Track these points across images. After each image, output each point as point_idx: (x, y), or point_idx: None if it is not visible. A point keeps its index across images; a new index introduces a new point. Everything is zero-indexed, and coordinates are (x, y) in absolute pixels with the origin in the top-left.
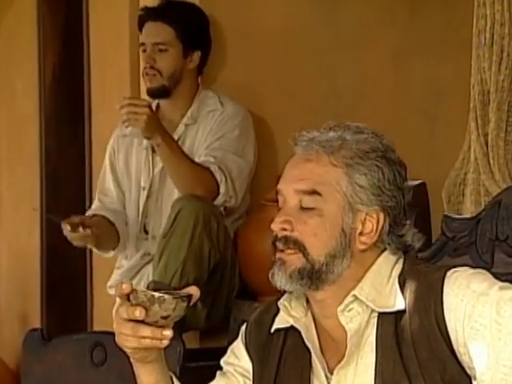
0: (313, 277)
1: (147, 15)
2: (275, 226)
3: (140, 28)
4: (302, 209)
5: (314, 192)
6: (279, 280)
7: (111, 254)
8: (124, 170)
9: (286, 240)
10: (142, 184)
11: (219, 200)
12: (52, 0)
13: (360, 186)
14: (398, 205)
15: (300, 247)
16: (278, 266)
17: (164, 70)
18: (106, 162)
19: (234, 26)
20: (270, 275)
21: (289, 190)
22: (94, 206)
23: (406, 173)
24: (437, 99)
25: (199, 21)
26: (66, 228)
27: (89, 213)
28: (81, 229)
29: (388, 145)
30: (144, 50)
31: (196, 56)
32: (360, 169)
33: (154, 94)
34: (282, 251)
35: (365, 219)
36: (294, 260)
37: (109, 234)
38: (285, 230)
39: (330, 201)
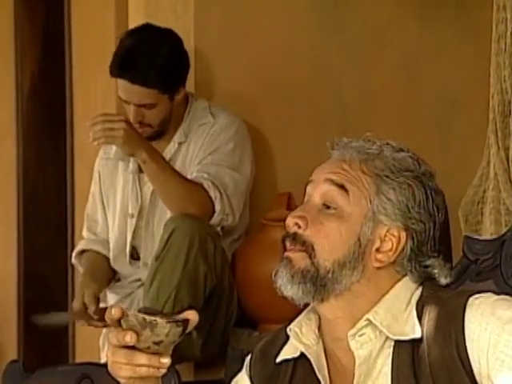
0: (317, 283)
1: (121, 74)
2: (289, 221)
3: (112, 75)
4: (323, 208)
5: (342, 186)
6: (281, 279)
7: None
8: (110, 194)
9: (295, 238)
10: (130, 211)
11: (215, 219)
12: (30, 3)
13: (387, 199)
14: (425, 231)
15: (308, 248)
16: (284, 264)
17: (154, 122)
18: (94, 188)
19: (231, 32)
20: (273, 273)
21: (320, 178)
22: (85, 235)
23: (444, 202)
24: (451, 110)
25: (178, 61)
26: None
27: (80, 247)
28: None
29: (427, 170)
30: (126, 102)
31: (182, 90)
32: (389, 182)
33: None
34: (290, 250)
35: (385, 236)
36: (299, 259)
37: (106, 273)
38: (298, 226)
39: (354, 204)
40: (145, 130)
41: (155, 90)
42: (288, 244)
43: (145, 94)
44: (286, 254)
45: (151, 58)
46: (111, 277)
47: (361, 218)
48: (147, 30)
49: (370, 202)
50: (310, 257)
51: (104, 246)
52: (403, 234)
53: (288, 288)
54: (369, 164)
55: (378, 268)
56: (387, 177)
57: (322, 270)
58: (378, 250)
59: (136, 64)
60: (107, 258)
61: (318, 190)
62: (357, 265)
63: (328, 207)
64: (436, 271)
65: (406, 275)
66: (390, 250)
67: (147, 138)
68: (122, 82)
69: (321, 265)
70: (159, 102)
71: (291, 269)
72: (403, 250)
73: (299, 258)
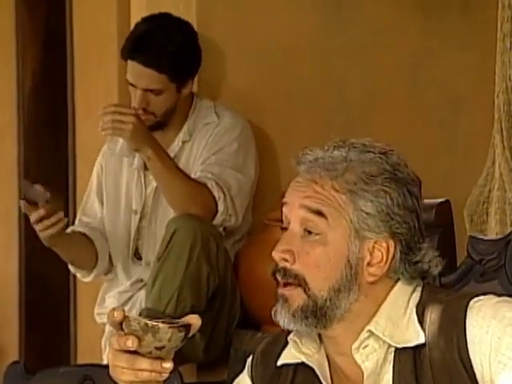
0: (317, 314)
1: (133, 56)
2: (276, 255)
3: (124, 57)
4: (306, 234)
5: (319, 213)
6: (282, 319)
7: (91, 276)
8: (112, 190)
9: (285, 273)
10: (134, 207)
11: (218, 219)
12: (31, 1)
13: (366, 213)
14: (410, 230)
15: (300, 281)
16: (281, 303)
17: (158, 111)
18: (93, 181)
19: (234, 31)
20: (272, 313)
21: (295, 202)
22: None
23: (420, 189)
24: (456, 110)
25: (190, 51)
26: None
27: (67, 231)
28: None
29: (396, 163)
30: (133, 86)
31: (190, 83)
32: (365, 195)
33: None
34: (284, 286)
35: (373, 248)
36: (296, 296)
37: (85, 249)
38: (285, 260)
39: (335, 226)
40: (148, 118)
41: (164, 76)
42: (280, 278)
43: (154, 79)
44: (281, 291)
45: (164, 43)
46: (89, 252)
47: (345, 239)
48: (164, 17)
49: (351, 221)
50: (305, 290)
51: (88, 230)
52: (391, 243)
53: (291, 325)
54: (339, 180)
55: (373, 282)
56: (361, 189)
57: (319, 300)
58: (369, 263)
59: (149, 47)
60: (90, 240)
61: (296, 216)
62: (352, 286)
63: (310, 232)
64: (426, 263)
65: (399, 279)
66: (381, 260)
67: (148, 128)
68: (132, 65)
69: (317, 295)
70: (166, 90)
71: (290, 308)
72: (394, 257)
73: (295, 296)
